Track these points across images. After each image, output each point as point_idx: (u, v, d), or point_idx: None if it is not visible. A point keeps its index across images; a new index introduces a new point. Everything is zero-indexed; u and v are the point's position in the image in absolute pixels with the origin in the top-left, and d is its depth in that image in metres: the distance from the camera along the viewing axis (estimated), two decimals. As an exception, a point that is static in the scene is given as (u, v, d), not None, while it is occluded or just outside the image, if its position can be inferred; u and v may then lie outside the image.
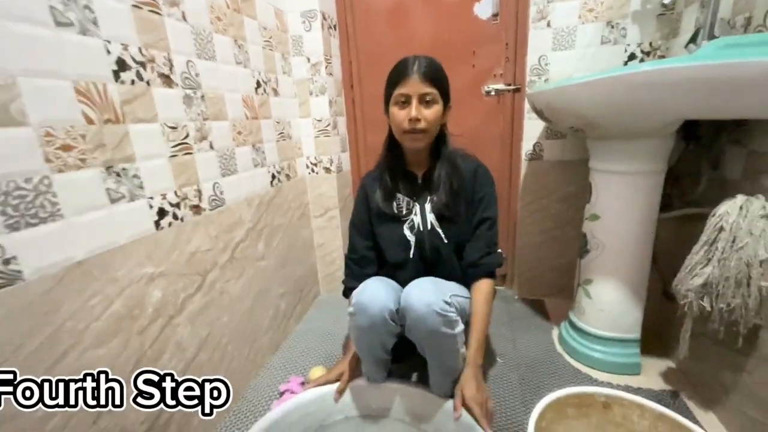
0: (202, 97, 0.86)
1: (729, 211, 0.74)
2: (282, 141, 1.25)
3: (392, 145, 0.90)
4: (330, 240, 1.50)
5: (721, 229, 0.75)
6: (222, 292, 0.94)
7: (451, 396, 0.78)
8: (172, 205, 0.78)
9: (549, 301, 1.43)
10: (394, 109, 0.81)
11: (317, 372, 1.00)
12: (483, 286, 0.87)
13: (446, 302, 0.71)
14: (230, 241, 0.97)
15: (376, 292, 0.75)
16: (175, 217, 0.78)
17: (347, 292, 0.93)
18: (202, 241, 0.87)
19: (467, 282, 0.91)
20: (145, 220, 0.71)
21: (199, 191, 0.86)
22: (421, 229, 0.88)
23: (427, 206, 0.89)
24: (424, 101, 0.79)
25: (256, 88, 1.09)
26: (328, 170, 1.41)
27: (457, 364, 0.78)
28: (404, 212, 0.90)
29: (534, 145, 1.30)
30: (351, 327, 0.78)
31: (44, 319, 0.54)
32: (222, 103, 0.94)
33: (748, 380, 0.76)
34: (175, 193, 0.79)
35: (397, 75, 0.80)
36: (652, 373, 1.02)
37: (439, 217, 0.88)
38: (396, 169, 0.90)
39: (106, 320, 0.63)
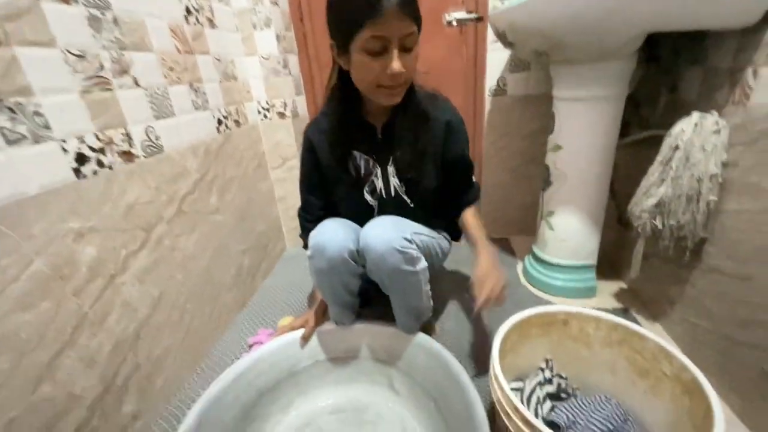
0: (115, 20, 0.72)
1: (684, 129, 0.75)
2: (226, 82, 1.11)
3: (346, 90, 0.72)
4: (291, 193, 1.42)
5: (676, 147, 0.76)
6: (173, 249, 0.87)
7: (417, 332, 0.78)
8: (94, 150, 0.67)
9: (514, 239, 1.47)
10: (362, 58, 0.61)
11: (286, 321, 0.99)
12: (469, 212, 0.87)
13: (406, 239, 0.68)
14: (175, 193, 0.88)
15: (334, 233, 0.71)
16: (100, 164, 0.68)
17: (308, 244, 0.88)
18: (141, 192, 0.77)
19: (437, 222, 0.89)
20: (60, 167, 0.61)
21: (128, 135, 0.75)
22: (384, 195, 0.81)
23: (390, 169, 0.79)
24: (405, 46, 0.61)
25: (186, 16, 0.94)
26: (282, 115, 1.30)
27: (421, 302, 0.77)
28: (363, 173, 0.80)
29: (498, 80, 1.26)
30: (311, 271, 0.75)
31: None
32: (143, 31, 0.80)
33: (692, 291, 0.82)
34: (97, 136, 0.68)
35: (366, 8, 0.56)
36: (606, 294, 1.09)
37: (404, 180, 0.79)
38: (350, 121, 0.75)
39: (27, 282, 0.55)
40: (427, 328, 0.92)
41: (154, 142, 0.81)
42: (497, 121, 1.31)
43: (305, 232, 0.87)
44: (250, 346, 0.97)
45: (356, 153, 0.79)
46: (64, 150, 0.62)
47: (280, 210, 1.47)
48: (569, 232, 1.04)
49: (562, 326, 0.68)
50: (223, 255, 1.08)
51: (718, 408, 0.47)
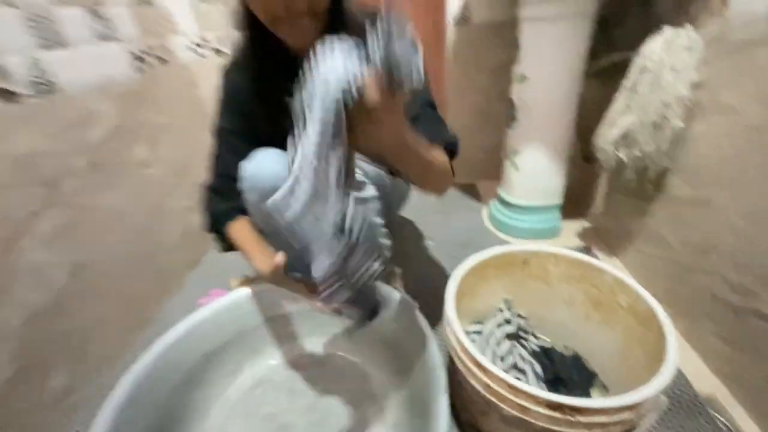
0: None
1: (654, 48, 0.68)
2: (139, 7, 0.93)
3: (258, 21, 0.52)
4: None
5: (645, 70, 0.70)
6: (93, 207, 0.76)
7: None
8: (-50, 85, 0.53)
9: (480, 184, 1.42)
10: None
11: (238, 282, 0.92)
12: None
13: None
14: (82, 141, 0.74)
15: (269, 158, 0.60)
16: (-37, 103, 0.54)
17: (224, 222, 0.66)
18: (33, 139, 0.64)
19: None
20: None
21: (3, 68, 0.60)
22: None
23: None
24: None
25: None
26: (219, 52, 1.13)
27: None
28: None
29: (462, 5, 1.13)
30: (248, 207, 0.64)
31: None
32: (1, -73, 0.61)
33: (650, 222, 0.81)
34: (-49, 67, 0.53)
35: None
36: (570, 234, 1.08)
37: None
38: (278, 59, 0.56)
39: None
40: (388, 275, 0.87)
41: (42, 79, 0.67)
42: (461, 54, 1.20)
43: (219, 218, 0.66)
44: (201, 308, 0.91)
45: (288, 98, 0.64)
46: None
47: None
48: (535, 171, 0.99)
49: (521, 266, 0.65)
50: (164, 213, 0.97)
51: (671, 334, 0.46)
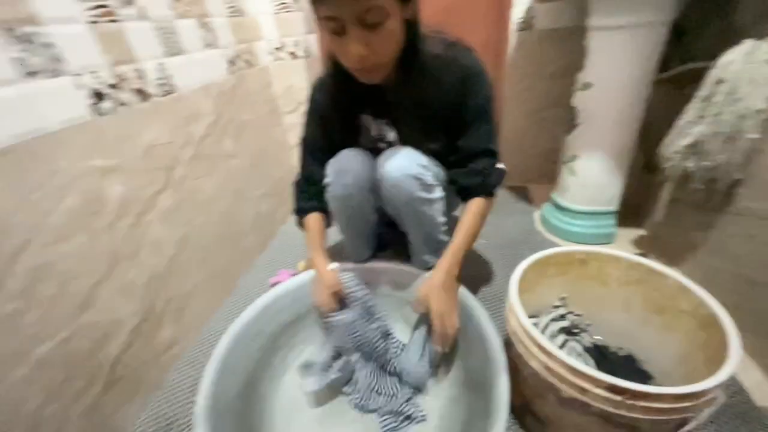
0: (115, -58, 0.67)
1: (733, 59, 0.68)
2: (234, 18, 1.05)
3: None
4: (306, 139, 1.40)
5: (721, 81, 0.70)
6: (194, 191, 0.88)
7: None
8: (109, 86, 0.66)
9: (532, 187, 1.44)
10: (327, 35, 0.53)
11: (304, 265, 1.02)
12: (473, 206, 0.70)
13: (421, 165, 0.67)
14: (191, 135, 0.87)
15: (354, 158, 0.71)
16: (116, 101, 0.67)
17: (303, 214, 0.79)
18: (159, 133, 0.77)
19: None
20: (78, 103, 0.61)
21: (140, 72, 0.73)
22: None
23: (401, 134, 0.73)
24: (367, 23, 0.49)
25: (188, -60, 0.87)
26: (294, 55, 1.24)
27: (438, 234, 0.77)
28: (373, 138, 0.75)
29: (526, 11, 1.15)
30: (329, 199, 0.75)
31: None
32: (145, -44, 0.74)
33: (716, 235, 0.80)
34: (110, 72, 0.66)
35: None
36: (624, 241, 1.08)
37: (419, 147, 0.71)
38: (353, 83, 0.61)
39: (61, 216, 0.57)
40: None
41: (167, 81, 0.79)
42: (522, 59, 1.22)
43: (301, 211, 0.79)
44: (272, 286, 1.02)
45: (366, 117, 0.73)
46: (80, 85, 0.61)
47: (294, 157, 1.46)
48: (592, 177, 1.00)
49: (579, 266, 0.68)
50: (242, 199, 1.10)
51: (735, 339, 0.48)
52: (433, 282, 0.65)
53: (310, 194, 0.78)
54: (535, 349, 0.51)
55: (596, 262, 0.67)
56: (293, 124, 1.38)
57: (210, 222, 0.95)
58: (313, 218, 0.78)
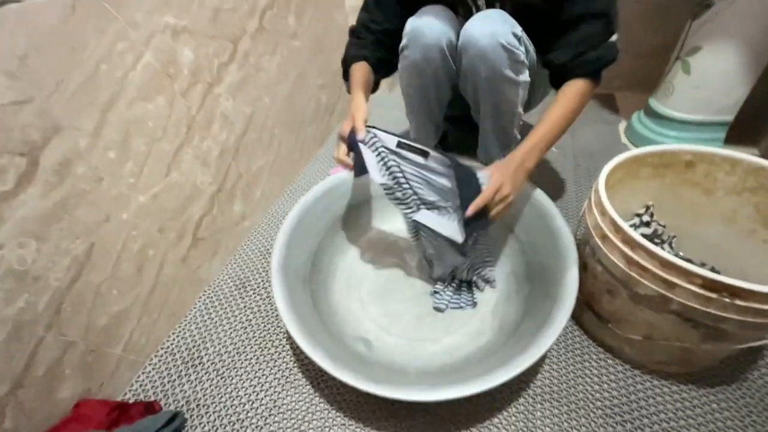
0: None
1: None
2: None
3: None
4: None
5: None
6: (258, 69, 0.86)
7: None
8: (172, -69, 0.60)
9: (621, 95, 1.24)
10: None
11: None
12: (569, 88, 0.57)
13: (515, 35, 0.57)
14: (255, 2, 0.81)
15: (435, 17, 0.61)
16: (181, -49, 0.62)
17: (344, 63, 0.71)
18: (223, -5, 0.72)
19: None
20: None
21: None
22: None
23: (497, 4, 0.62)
24: None
25: None
26: None
27: (512, 125, 0.70)
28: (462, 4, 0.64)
29: None
30: (402, 68, 0.68)
31: (74, 57, 0.49)
32: None
33: None
34: None
35: None
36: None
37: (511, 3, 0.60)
38: None
39: (142, 72, 0.58)
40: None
41: (229, -68, 0.71)
42: None
43: (348, 59, 0.70)
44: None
45: None
46: (145, -77, 0.56)
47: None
48: (713, 76, 0.83)
49: (683, 169, 0.59)
50: (303, 86, 1.06)
51: None
52: (503, 164, 0.54)
53: (363, 43, 0.69)
54: (617, 240, 0.47)
55: (706, 165, 0.58)
56: (354, 7, 1.24)
57: (273, 105, 0.94)
58: (359, 66, 0.68)
